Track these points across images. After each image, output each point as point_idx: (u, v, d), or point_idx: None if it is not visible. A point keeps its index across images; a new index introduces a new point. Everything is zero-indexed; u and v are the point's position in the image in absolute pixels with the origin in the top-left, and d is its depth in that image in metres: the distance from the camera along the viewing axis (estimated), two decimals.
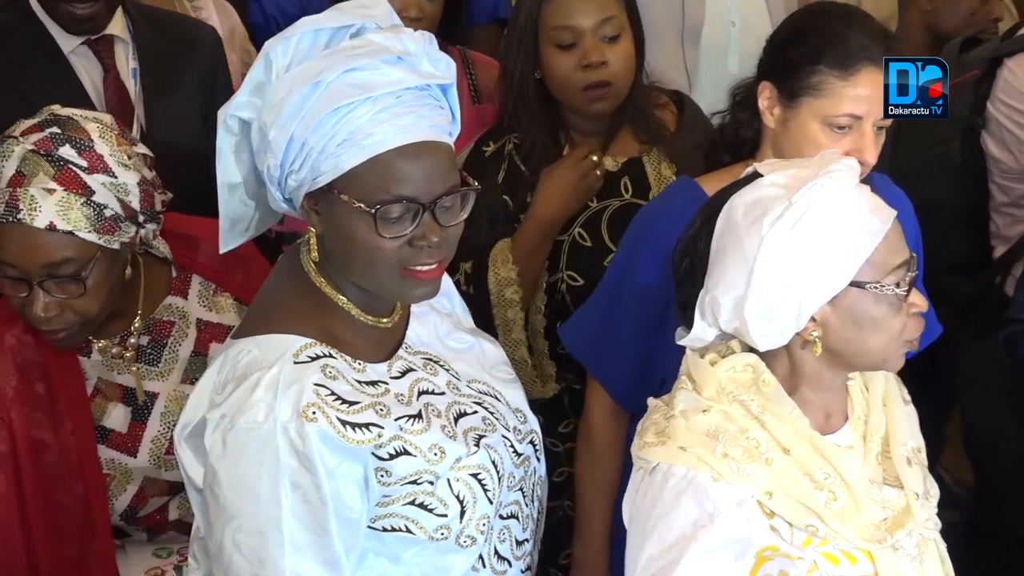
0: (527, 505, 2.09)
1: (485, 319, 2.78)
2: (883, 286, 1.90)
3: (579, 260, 2.82)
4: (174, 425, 2.28)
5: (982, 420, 3.42)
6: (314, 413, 1.82)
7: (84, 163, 2.21)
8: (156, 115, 2.95)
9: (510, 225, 2.84)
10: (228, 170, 1.94)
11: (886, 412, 2.05)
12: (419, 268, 1.87)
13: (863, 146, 2.30)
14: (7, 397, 2.28)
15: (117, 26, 2.94)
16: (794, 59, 2.33)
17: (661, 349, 2.25)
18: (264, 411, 1.82)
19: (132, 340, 2.39)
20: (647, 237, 2.48)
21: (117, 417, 2.37)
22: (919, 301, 1.94)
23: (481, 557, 1.99)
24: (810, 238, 1.89)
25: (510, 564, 2.06)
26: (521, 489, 2.07)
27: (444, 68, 1.90)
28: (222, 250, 2.00)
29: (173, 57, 3.02)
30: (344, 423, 1.84)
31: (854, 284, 1.90)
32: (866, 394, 2.06)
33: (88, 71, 2.92)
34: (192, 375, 2.40)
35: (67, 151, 2.20)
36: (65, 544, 2.32)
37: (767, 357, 1.98)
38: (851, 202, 1.90)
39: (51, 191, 2.18)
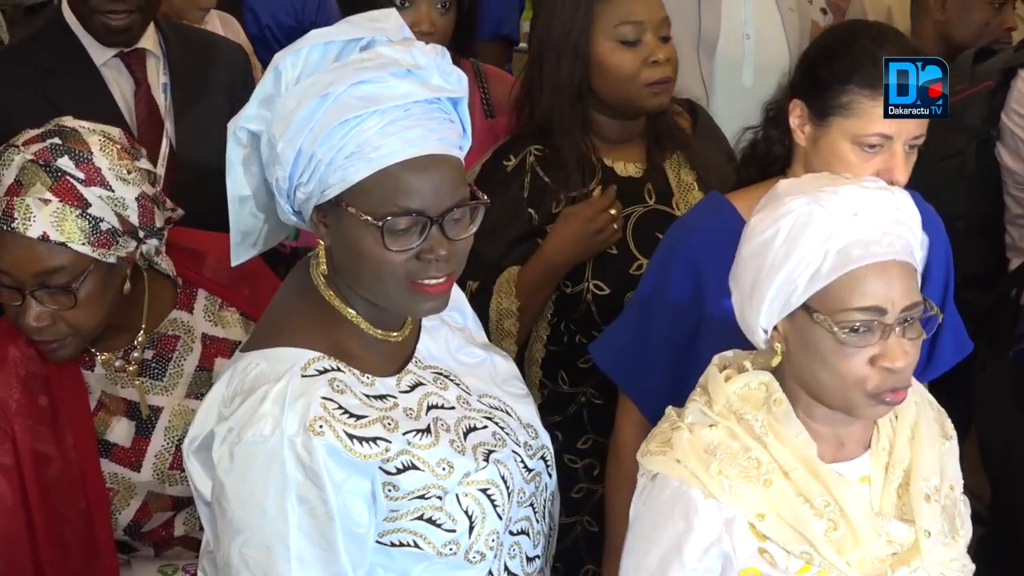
0: (538, 522, 2.08)
1: None
2: (827, 321, 1.88)
3: (605, 269, 2.81)
4: (178, 440, 2.30)
5: (997, 433, 3.40)
6: (321, 427, 1.81)
7: (81, 175, 2.20)
8: (185, 130, 2.95)
9: (534, 240, 2.83)
10: (238, 182, 1.93)
11: (913, 445, 2.02)
12: (427, 282, 1.86)
13: (893, 166, 2.30)
14: (10, 410, 2.28)
15: (149, 40, 2.95)
16: (825, 78, 2.33)
17: (693, 366, 2.25)
18: (271, 425, 1.81)
19: (136, 354, 2.38)
20: (677, 251, 2.48)
21: (120, 431, 2.37)
22: (891, 356, 1.87)
23: (491, 573, 1.97)
24: (776, 248, 1.89)
25: None
26: (532, 505, 2.06)
27: (455, 82, 1.89)
28: (234, 263, 2.00)
29: (203, 73, 3.03)
30: (351, 437, 1.83)
31: (805, 308, 1.90)
32: (894, 424, 2.03)
33: (119, 84, 2.93)
34: (197, 390, 2.39)
35: (65, 162, 2.20)
36: (70, 558, 2.31)
37: (778, 376, 1.98)
38: (828, 226, 1.87)
39: (47, 202, 2.18)
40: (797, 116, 2.38)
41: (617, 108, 2.85)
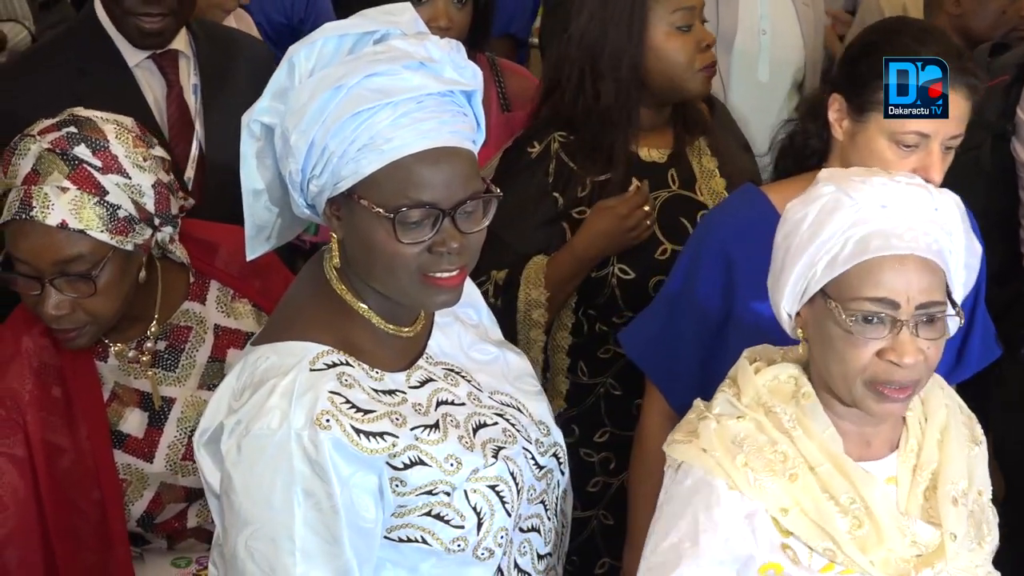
0: (549, 519, 2.07)
1: (508, 332, 2.77)
2: (838, 308, 1.87)
3: (630, 253, 2.81)
4: (190, 431, 2.30)
5: (1012, 432, 3.37)
6: (328, 421, 1.81)
7: (98, 163, 2.21)
8: (213, 132, 2.93)
9: (559, 223, 2.83)
10: (251, 176, 1.93)
11: (941, 447, 2.00)
12: (439, 275, 1.86)
13: (929, 164, 2.31)
14: (23, 401, 2.29)
15: (181, 41, 2.93)
16: (864, 74, 2.34)
17: (721, 359, 2.26)
18: (279, 418, 1.81)
19: (149, 344, 2.39)
20: (708, 244, 2.48)
21: (133, 422, 2.37)
22: (900, 351, 1.86)
23: (501, 570, 1.97)
24: (802, 232, 1.90)
25: None
26: (543, 502, 2.05)
27: (470, 76, 1.89)
28: (249, 257, 1.99)
29: (230, 73, 3.01)
30: (358, 431, 1.83)
31: (822, 294, 1.90)
32: (924, 426, 2.01)
33: (151, 86, 2.91)
34: (209, 381, 2.40)
35: (82, 150, 2.21)
36: (83, 550, 2.31)
37: (807, 371, 1.98)
38: (854, 215, 1.87)
39: (65, 189, 2.19)
40: (836, 110, 2.39)
41: (662, 95, 2.85)
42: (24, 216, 2.19)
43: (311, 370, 1.85)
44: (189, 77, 2.95)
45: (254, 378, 1.86)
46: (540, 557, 2.06)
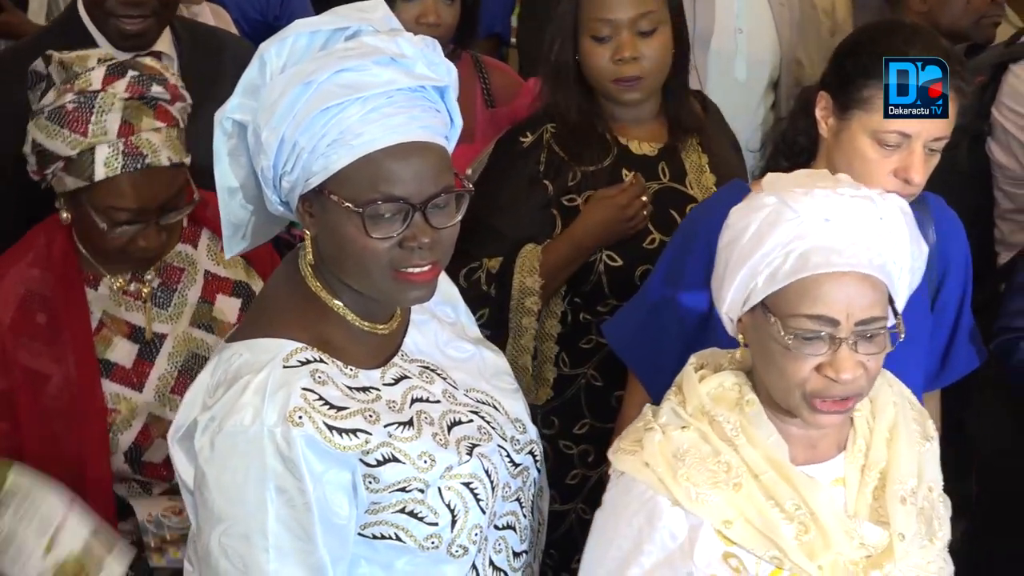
0: (525, 516, 2.07)
1: (500, 320, 2.82)
2: (777, 324, 1.86)
3: (619, 241, 2.84)
4: (181, 365, 2.38)
5: (991, 436, 3.38)
6: (300, 418, 1.81)
7: (168, 96, 2.32)
8: (198, 135, 2.91)
9: (550, 210, 2.86)
10: (225, 173, 1.92)
11: (890, 446, 1.99)
12: (411, 270, 1.85)
13: (910, 164, 2.31)
14: (3, 325, 2.32)
15: (164, 42, 2.92)
16: (849, 72, 2.35)
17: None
18: (251, 415, 1.81)
19: (150, 276, 2.43)
20: (695, 237, 2.49)
21: (122, 351, 2.40)
22: (837, 367, 1.85)
23: (475, 567, 1.96)
24: (743, 243, 1.89)
25: (507, 575, 2.04)
26: (518, 500, 2.04)
27: (443, 72, 1.88)
28: (228, 256, 1.99)
29: (213, 74, 2.97)
30: (331, 428, 1.82)
31: (763, 305, 1.89)
32: (872, 424, 2.00)
33: None
34: (199, 320, 2.45)
35: (156, 89, 2.31)
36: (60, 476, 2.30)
37: (753, 376, 1.97)
38: (796, 228, 1.86)
39: (158, 130, 2.29)
40: (822, 108, 2.40)
41: (603, 96, 2.89)
42: (140, 166, 2.26)
43: (284, 367, 1.84)
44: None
45: (228, 375, 1.86)
46: (516, 555, 2.05)
